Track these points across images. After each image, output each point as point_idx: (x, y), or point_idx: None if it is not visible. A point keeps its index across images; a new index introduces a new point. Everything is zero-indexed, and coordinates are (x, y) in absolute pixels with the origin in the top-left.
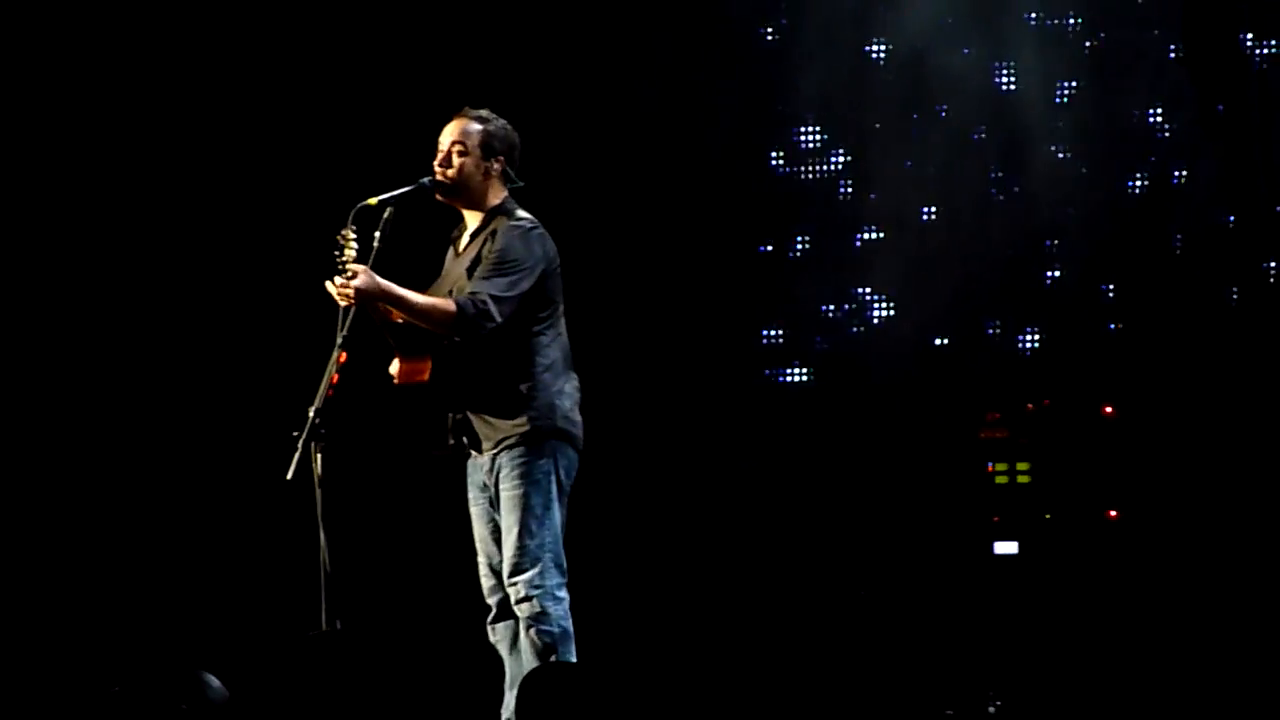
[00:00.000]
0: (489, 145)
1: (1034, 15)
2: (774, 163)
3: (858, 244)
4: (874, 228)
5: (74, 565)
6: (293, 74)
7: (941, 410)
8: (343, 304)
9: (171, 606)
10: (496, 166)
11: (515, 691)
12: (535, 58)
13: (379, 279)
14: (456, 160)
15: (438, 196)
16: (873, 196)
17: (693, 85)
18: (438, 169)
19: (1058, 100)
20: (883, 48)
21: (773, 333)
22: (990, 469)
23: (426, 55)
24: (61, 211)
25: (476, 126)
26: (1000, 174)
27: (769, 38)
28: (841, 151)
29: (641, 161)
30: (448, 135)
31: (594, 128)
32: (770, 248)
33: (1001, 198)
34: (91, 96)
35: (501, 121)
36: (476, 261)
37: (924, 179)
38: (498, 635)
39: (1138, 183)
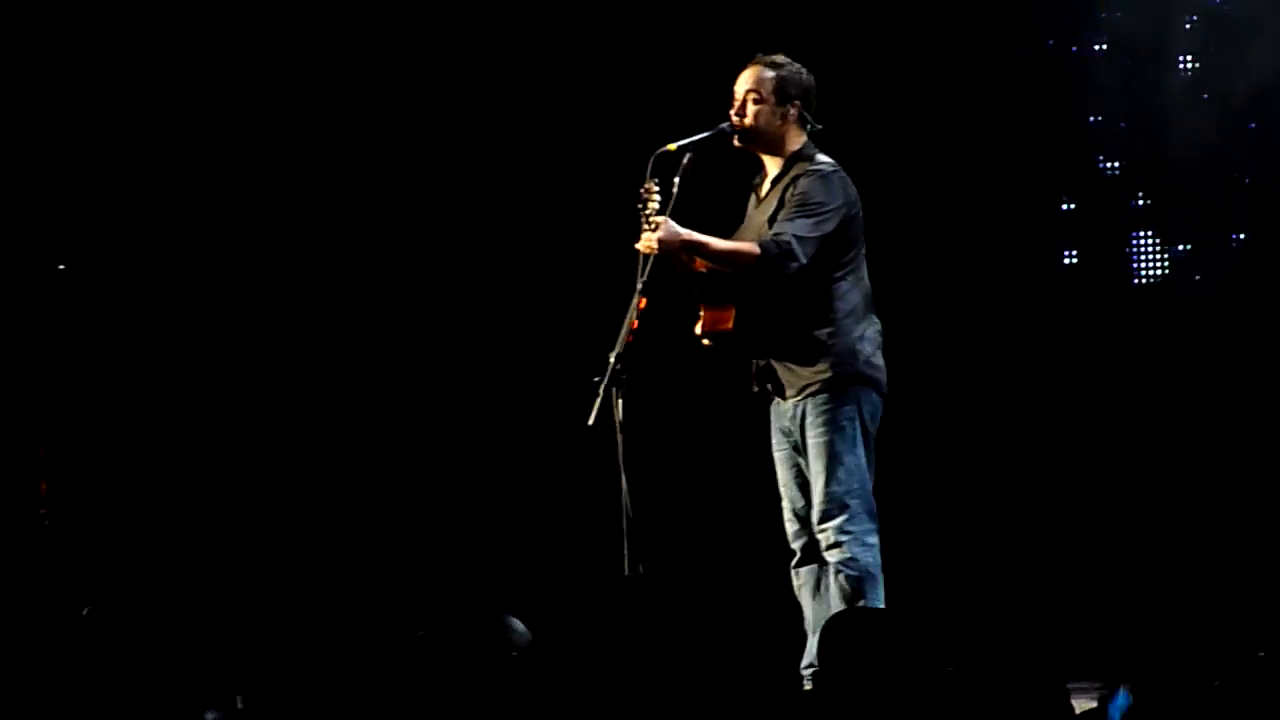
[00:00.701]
0: (783, 91)
1: None
2: None
3: None
4: None
5: (384, 509)
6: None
7: None
8: (647, 254)
9: (477, 551)
10: (793, 111)
11: (817, 636)
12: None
13: (680, 228)
14: (752, 108)
15: (735, 143)
16: None
17: None
18: (734, 117)
19: None
20: None
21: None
22: None
23: None
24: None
25: (769, 73)
26: None
27: None
28: None
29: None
30: (742, 83)
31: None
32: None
33: None
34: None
35: (796, 66)
36: (779, 208)
37: None
38: (801, 580)
39: None
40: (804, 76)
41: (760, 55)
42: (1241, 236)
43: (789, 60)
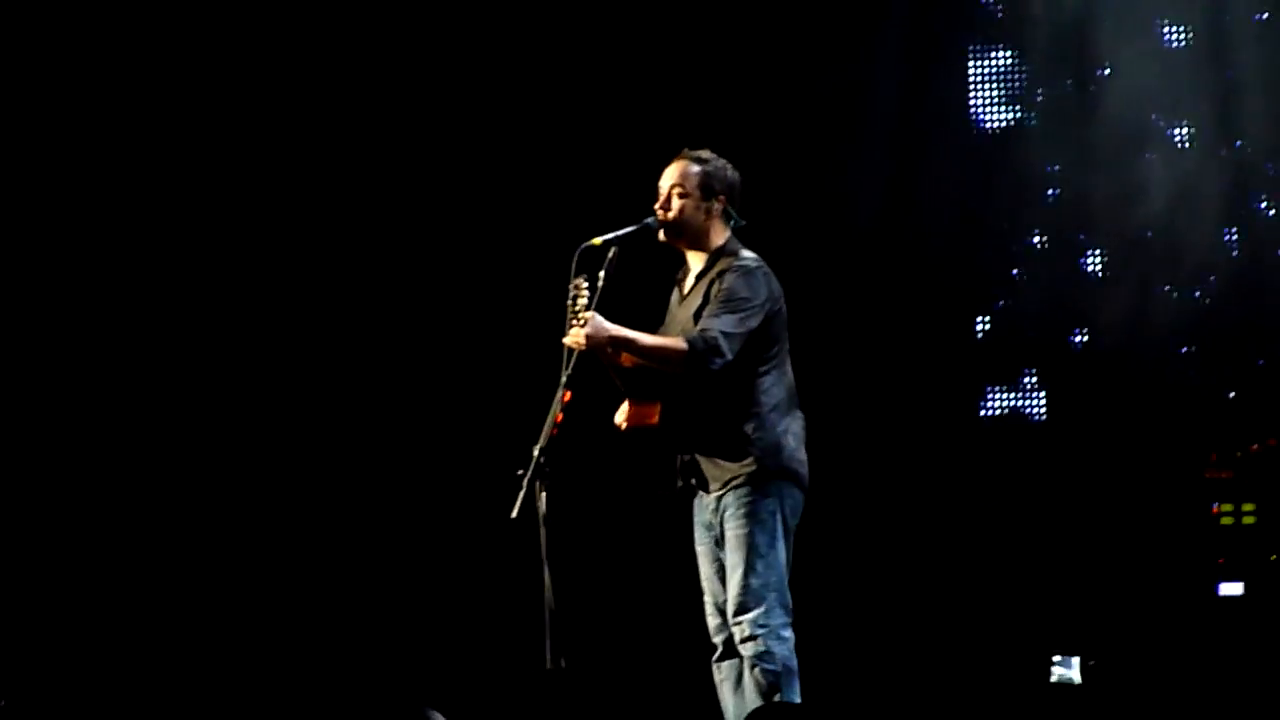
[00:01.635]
0: (708, 186)
1: None
2: None
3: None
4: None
5: (311, 598)
6: (507, 114)
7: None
8: (574, 349)
9: (400, 643)
10: (718, 206)
11: None
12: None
13: (607, 323)
14: (676, 203)
15: (660, 237)
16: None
17: None
18: (659, 211)
19: None
20: None
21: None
22: (1215, 510)
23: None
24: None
25: (695, 168)
26: None
27: None
28: None
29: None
30: (667, 178)
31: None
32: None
33: None
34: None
35: (721, 161)
36: (704, 303)
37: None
38: (723, 674)
39: None
40: (729, 172)
41: (686, 150)
42: None
43: (715, 155)
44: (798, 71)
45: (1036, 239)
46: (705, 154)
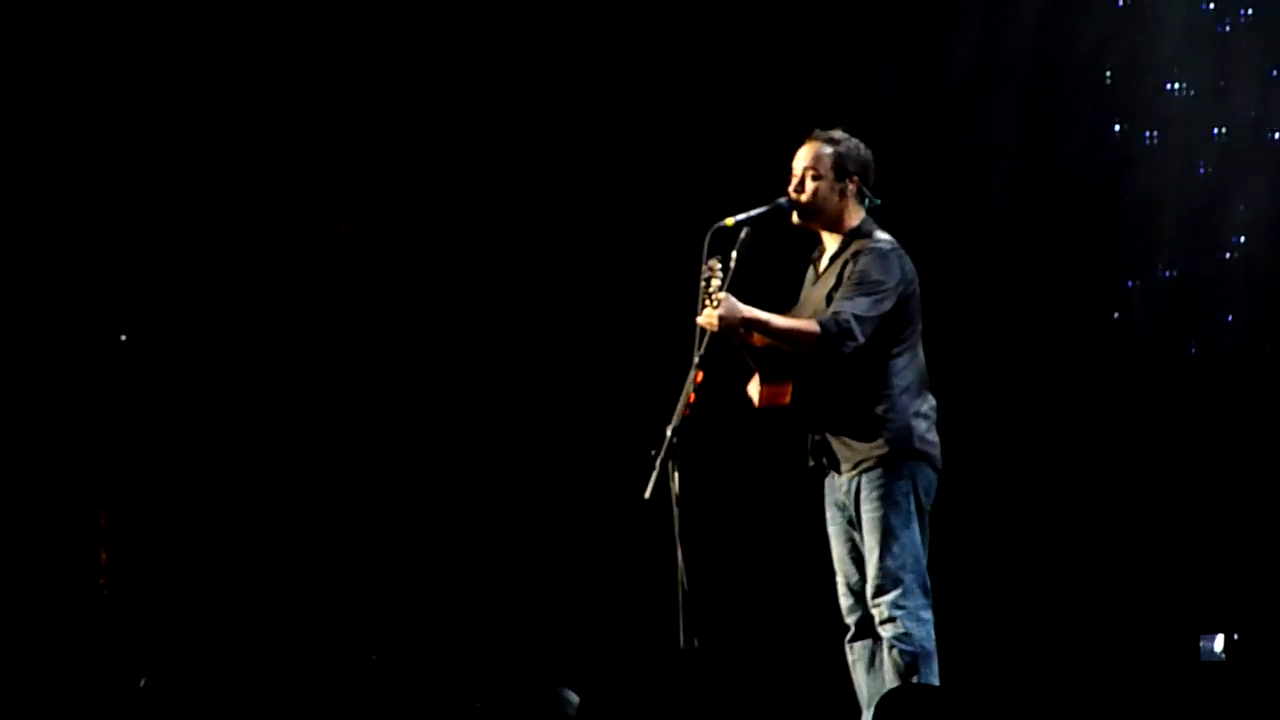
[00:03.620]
0: (841, 167)
1: None
2: None
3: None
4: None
5: (447, 581)
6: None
7: None
8: (708, 330)
9: (533, 623)
10: (851, 187)
11: (872, 711)
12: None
13: (740, 305)
14: (810, 184)
15: (794, 220)
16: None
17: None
18: (792, 193)
19: None
20: None
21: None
22: None
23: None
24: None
25: (828, 149)
26: None
27: None
28: None
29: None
30: (800, 160)
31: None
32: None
33: None
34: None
35: (854, 141)
36: (837, 284)
37: None
38: (855, 654)
39: None
40: (862, 152)
41: (818, 130)
42: None
43: (847, 135)
44: (926, 42)
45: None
46: (837, 134)
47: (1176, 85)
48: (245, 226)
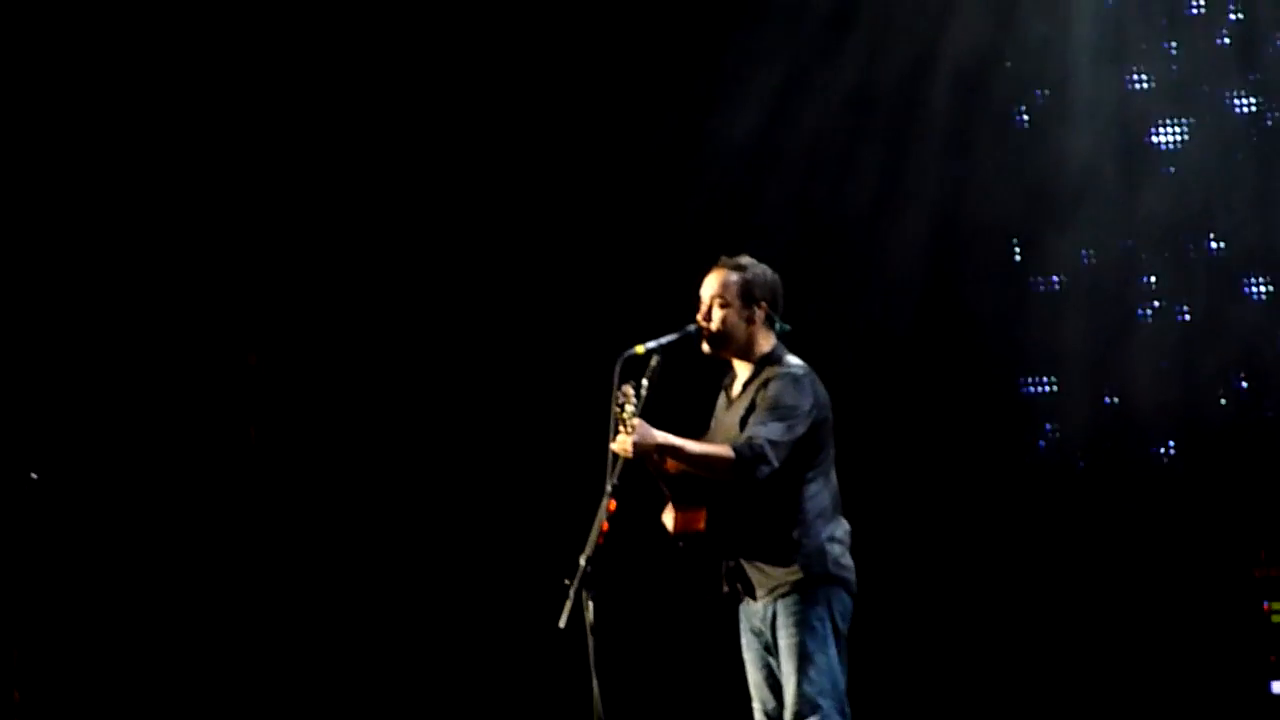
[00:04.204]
0: (748, 293)
1: None
2: None
3: None
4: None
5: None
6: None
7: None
8: (621, 456)
9: None
10: (760, 313)
11: None
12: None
13: (654, 430)
14: (719, 313)
15: (704, 348)
16: None
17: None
18: (702, 322)
19: None
20: None
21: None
22: (1266, 608)
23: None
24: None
25: (734, 276)
26: None
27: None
28: None
29: None
30: (707, 288)
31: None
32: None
33: None
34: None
35: (761, 267)
36: (750, 410)
37: None
38: None
39: None
40: (769, 277)
41: (724, 258)
42: None
43: (753, 261)
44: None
45: None
46: (744, 260)
47: None
48: (155, 358)
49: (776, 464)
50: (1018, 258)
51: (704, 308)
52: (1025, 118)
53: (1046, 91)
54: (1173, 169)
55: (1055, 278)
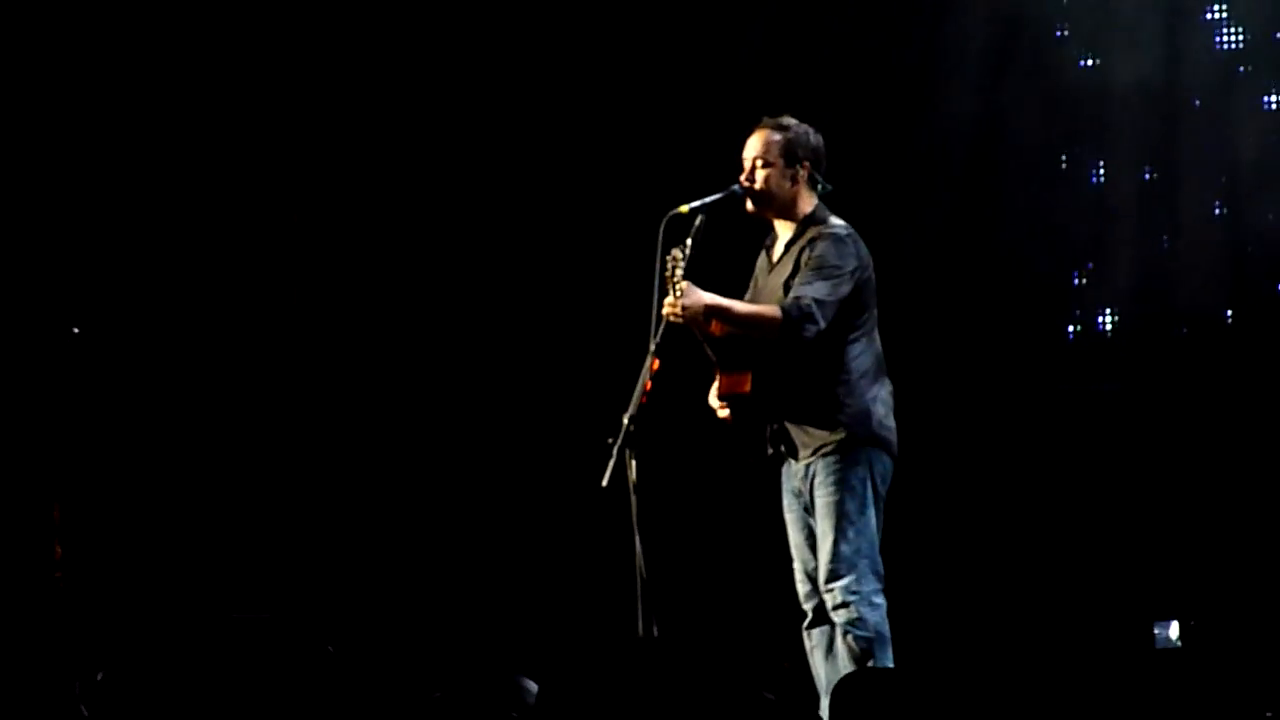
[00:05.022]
0: (791, 153)
1: None
2: None
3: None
4: None
5: (401, 567)
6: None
7: None
8: (670, 320)
9: (491, 612)
10: (803, 173)
11: (829, 697)
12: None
13: (703, 293)
14: (761, 173)
15: (748, 208)
16: None
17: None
18: (744, 183)
19: None
20: None
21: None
22: None
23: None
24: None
25: (777, 136)
26: None
27: None
28: None
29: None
30: (749, 149)
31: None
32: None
33: None
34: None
35: (804, 127)
36: (794, 271)
37: None
38: (813, 641)
39: None
40: (811, 137)
41: (766, 118)
42: None
43: (796, 121)
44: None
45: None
46: (786, 120)
47: None
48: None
49: (824, 323)
50: None
51: (747, 168)
52: None
53: None
54: None
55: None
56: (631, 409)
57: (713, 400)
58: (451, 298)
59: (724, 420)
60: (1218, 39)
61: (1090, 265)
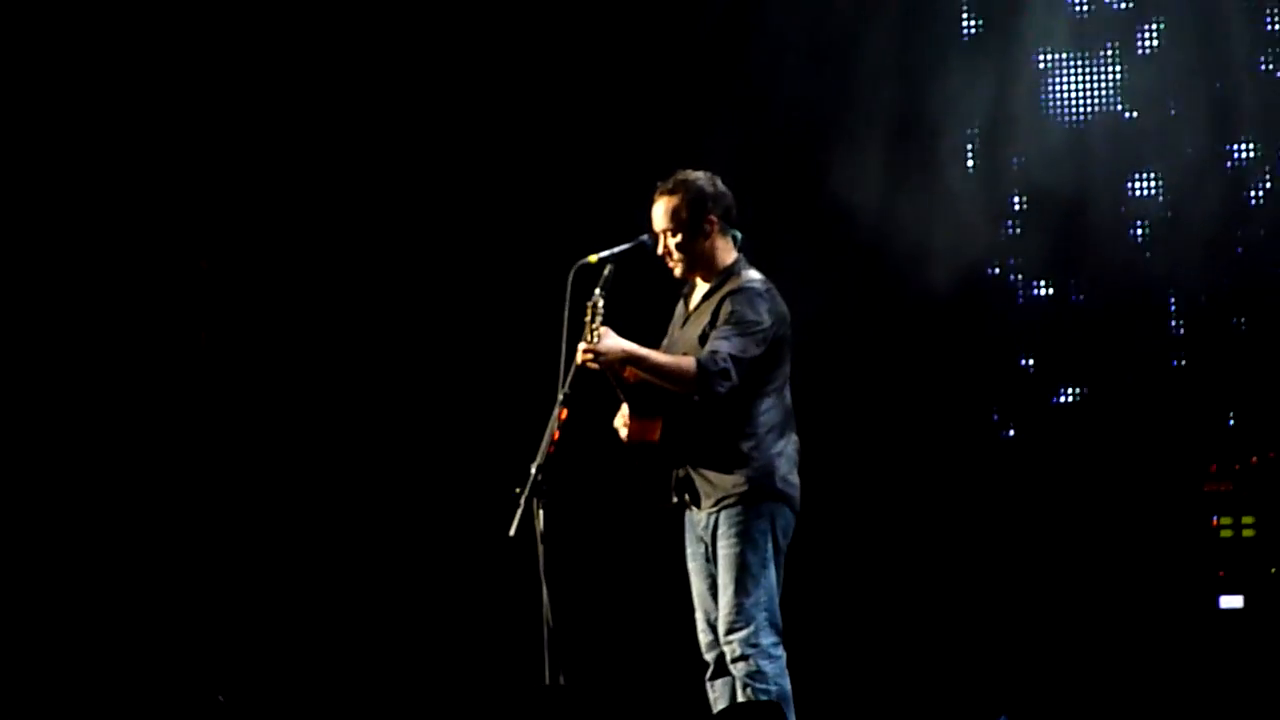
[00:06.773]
0: (697, 211)
1: None
2: None
3: None
4: None
5: (306, 614)
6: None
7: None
8: (588, 366)
9: (400, 663)
10: (713, 227)
11: None
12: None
13: (621, 340)
14: (673, 242)
15: (676, 274)
16: None
17: None
18: (667, 261)
19: None
20: None
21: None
22: (1215, 523)
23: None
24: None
25: (676, 199)
26: None
27: None
28: None
29: None
30: (656, 221)
31: None
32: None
33: None
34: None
35: (700, 178)
36: (711, 323)
37: None
38: (716, 691)
39: None
40: (711, 186)
41: (660, 184)
42: None
43: (691, 173)
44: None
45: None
46: (681, 176)
47: None
48: (106, 262)
49: (737, 380)
50: None
51: (662, 246)
52: None
53: None
54: None
55: None
56: (539, 458)
57: (617, 422)
58: (363, 351)
59: (623, 442)
60: None
61: None
